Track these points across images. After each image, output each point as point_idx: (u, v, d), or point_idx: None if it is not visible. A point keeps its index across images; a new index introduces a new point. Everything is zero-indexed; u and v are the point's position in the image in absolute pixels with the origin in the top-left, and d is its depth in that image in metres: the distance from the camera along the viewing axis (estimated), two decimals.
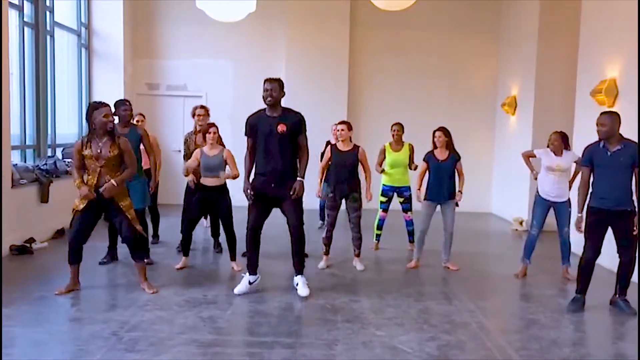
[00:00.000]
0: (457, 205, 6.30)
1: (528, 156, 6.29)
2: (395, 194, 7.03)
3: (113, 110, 5.72)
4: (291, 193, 4.99)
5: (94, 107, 4.97)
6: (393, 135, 6.98)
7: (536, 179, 6.12)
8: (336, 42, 10.55)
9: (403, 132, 7.02)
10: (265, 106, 5.08)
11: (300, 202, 5.15)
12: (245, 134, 5.19)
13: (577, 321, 4.83)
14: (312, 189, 6.60)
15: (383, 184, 7.08)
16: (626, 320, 4.79)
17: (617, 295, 5.03)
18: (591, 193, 4.93)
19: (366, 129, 10.40)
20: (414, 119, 9.73)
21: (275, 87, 4.99)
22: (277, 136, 4.97)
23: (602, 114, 4.92)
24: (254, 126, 5.08)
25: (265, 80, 5.06)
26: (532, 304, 5.20)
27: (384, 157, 6.98)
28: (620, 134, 4.83)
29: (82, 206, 4.95)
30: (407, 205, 6.99)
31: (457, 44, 10.89)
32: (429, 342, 4.14)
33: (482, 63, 11.03)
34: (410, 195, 6.92)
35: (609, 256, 5.21)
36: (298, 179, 5.04)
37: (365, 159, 6.22)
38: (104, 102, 5.06)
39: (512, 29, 10.27)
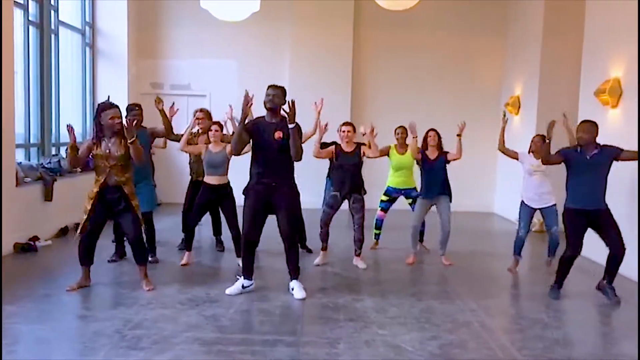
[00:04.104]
0: (459, 135, 6.35)
1: (511, 153, 6.26)
2: (401, 197, 7.06)
3: (125, 113, 5.78)
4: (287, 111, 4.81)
5: (102, 109, 5.04)
6: (397, 139, 6.99)
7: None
8: (340, 41, 10.55)
9: (407, 135, 7.01)
10: (264, 113, 5.09)
11: (295, 211, 5.16)
12: None
13: (580, 320, 4.85)
14: (310, 193, 6.63)
15: (388, 185, 7.08)
16: (628, 319, 4.79)
17: (606, 282, 5.23)
18: (569, 195, 5.20)
19: None
20: (418, 119, 9.64)
21: (278, 94, 5.02)
22: (274, 142, 4.98)
23: (584, 122, 5.19)
24: (250, 133, 5.06)
25: (269, 86, 5.09)
26: (535, 303, 5.19)
27: (386, 154, 6.98)
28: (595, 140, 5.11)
29: (89, 207, 5.01)
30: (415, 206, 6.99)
31: (462, 44, 10.87)
32: (431, 341, 4.14)
33: (487, 63, 11.00)
34: (417, 195, 6.90)
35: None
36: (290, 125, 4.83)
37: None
38: (111, 104, 5.11)
39: (517, 29, 10.24)
